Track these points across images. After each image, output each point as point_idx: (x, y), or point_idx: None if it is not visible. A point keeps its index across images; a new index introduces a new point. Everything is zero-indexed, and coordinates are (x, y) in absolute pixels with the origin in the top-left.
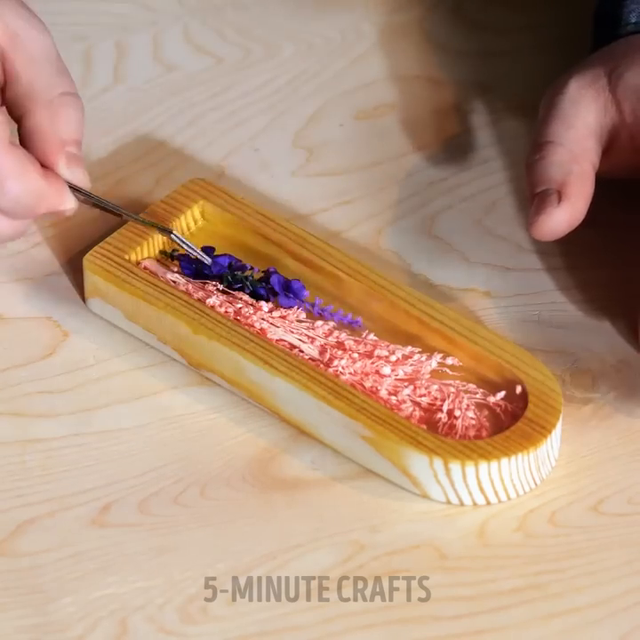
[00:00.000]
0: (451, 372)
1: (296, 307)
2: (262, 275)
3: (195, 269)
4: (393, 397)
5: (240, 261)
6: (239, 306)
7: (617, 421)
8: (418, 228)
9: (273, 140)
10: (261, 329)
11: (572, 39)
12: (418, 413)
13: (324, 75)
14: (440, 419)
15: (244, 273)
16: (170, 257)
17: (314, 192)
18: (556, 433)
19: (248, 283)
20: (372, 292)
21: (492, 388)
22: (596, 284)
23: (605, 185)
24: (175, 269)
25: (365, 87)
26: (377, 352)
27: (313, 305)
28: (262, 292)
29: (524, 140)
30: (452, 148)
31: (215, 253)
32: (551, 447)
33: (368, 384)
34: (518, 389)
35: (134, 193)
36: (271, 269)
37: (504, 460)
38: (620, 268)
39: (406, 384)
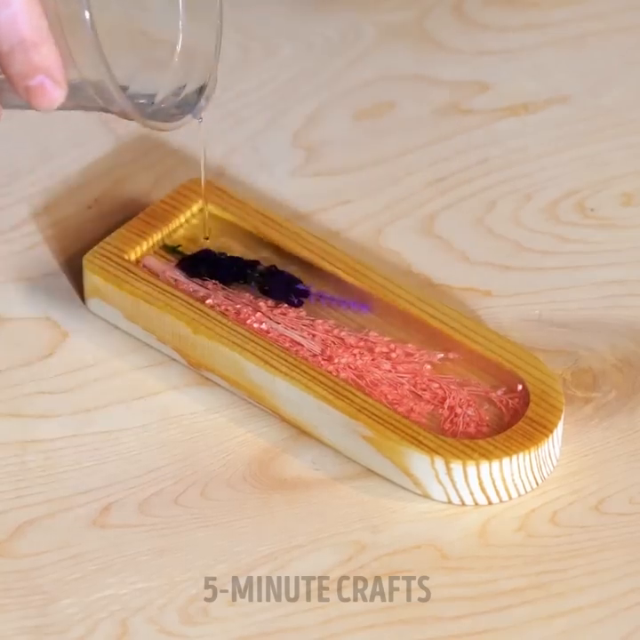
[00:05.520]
0: (451, 371)
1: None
2: (265, 270)
3: (196, 272)
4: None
5: (240, 260)
6: (239, 306)
7: (618, 420)
8: (418, 228)
9: (272, 139)
10: (261, 328)
11: (572, 39)
12: (418, 411)
13: (324, 74)
14: (440, 417)
15: (246, 279)
16: (171, 251)
17: (313, 192)
18: (558, 432)
19: (252, 285)
20: (372, 291)
21: (493, 387)
22: (597, 283)
23: (605, 183)
24: (175, 263)
25: (365, 86)
26: (377, 349)
27: (320, 297)
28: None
29: (524, 139)
30: (452, 147)
31: (215, 256)
32: (552, 446)
33: (368, 382)
34: (519, 388)
35: (133, 193)
36: (272, 270)
37: (505, 460)
38: (619, 267)
39: (406, 382)
